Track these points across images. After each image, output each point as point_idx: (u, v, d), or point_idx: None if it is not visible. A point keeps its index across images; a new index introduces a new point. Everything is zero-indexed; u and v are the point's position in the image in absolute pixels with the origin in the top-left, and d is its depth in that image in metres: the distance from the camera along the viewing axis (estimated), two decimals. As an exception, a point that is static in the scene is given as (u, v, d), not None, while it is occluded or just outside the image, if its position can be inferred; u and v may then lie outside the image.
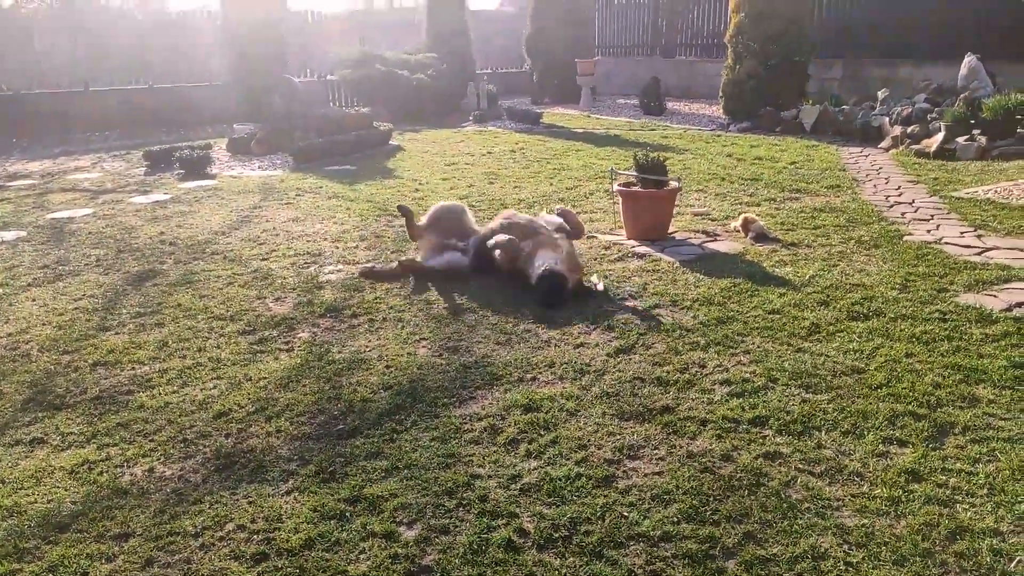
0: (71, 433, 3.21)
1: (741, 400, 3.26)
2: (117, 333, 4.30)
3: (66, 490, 2.80)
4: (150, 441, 3.12)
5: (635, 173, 5.78)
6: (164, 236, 6.40)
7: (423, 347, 3.99)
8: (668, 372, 3.55)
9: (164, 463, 2.97)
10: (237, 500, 2.71)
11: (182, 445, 3.09)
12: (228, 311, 4.58)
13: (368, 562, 2.37)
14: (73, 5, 16.56)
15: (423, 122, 13.80)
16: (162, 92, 14.94)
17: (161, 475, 2.89)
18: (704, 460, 2.83)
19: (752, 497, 2.61)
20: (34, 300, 4.90)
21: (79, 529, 2.57)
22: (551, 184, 8.00)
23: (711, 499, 2.61)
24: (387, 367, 3.76)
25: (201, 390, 3.57)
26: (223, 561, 2.40)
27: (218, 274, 5.31)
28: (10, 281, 5.29)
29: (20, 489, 2.81)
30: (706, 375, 3.52)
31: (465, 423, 3.19)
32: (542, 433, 3.07)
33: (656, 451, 2.91)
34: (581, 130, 12.52)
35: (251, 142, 10.92)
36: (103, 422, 3.29)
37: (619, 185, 5.87)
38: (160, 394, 3.54)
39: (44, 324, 4.46)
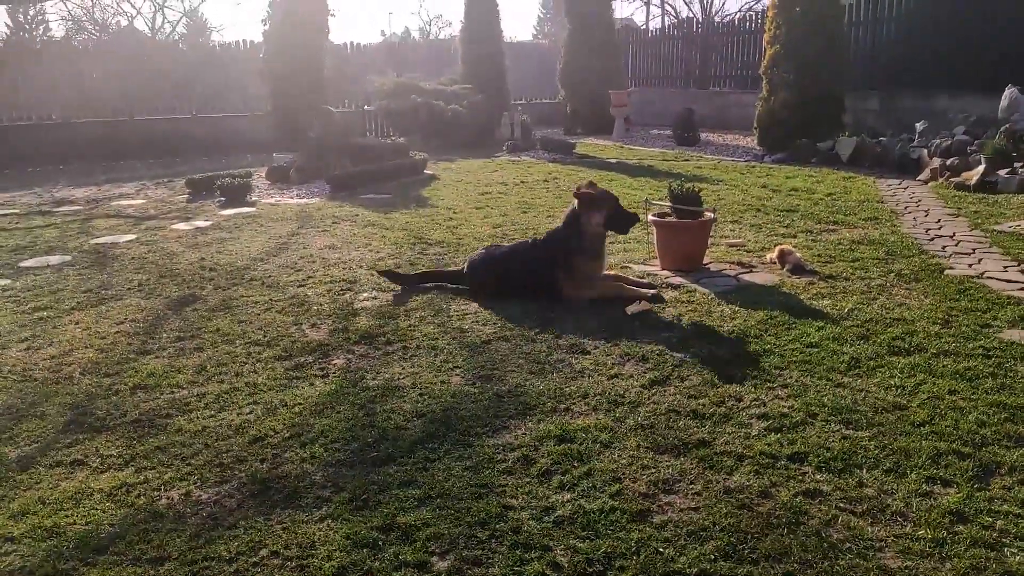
0: (110, 455, 3.26)
1: (779, 435, 3.21)
2: (157, 357, 4.38)
3: (104, 512, 2.84)
4: (187, 465, 3.16)
5: (670, 203, 5.77)
6: (204, 262, 6.53)
7: (456, 375, 4.00)
8: (704, 405, 3.50)
9: (200, 487, 3.00)
10: (271, 526, 2.72)
11: (218, 469, 3.12)
12: (265, 337, 4.64)
13: (400, 592, 2.36)
14: (120, 37, 17.14)
15: (457, 152, 13.96)
16: (205, 121, 15.35)
17: (197, 499, 2.91)
18: (742, 496, 2.78)
19: (792, 536, 2.55)
20: (77, 323, 5.01)
21: (116, 552, 2.60)
22: (584, 214, 8.01)
23: (749, 537, 2.55)
24: (421, 395, 3.77)
25: (238, 415, 3.61)
26: (257, 587, 2.41)
27: (256, 300, 5.39)
28: (54, 304, 5.42)
29: (60, 510, 2.86)
30: (743, 409, 3.47)
31: (498, 453, 3.18)
32: (576, 465, 3.04)
33: (692, 486, 2.87)
34: (614, 160, 12.56)
35: (290, 171, 11.14)
36: (142, 445, 3.34)
37: (653, 215, 5.87)
38: (198, 418, 3.58)
39: (86, 347, 4.56)
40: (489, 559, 2.50)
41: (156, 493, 2.96)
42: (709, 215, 5.82)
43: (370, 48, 22.18)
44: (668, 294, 5.19)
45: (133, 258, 6.77)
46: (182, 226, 8.21)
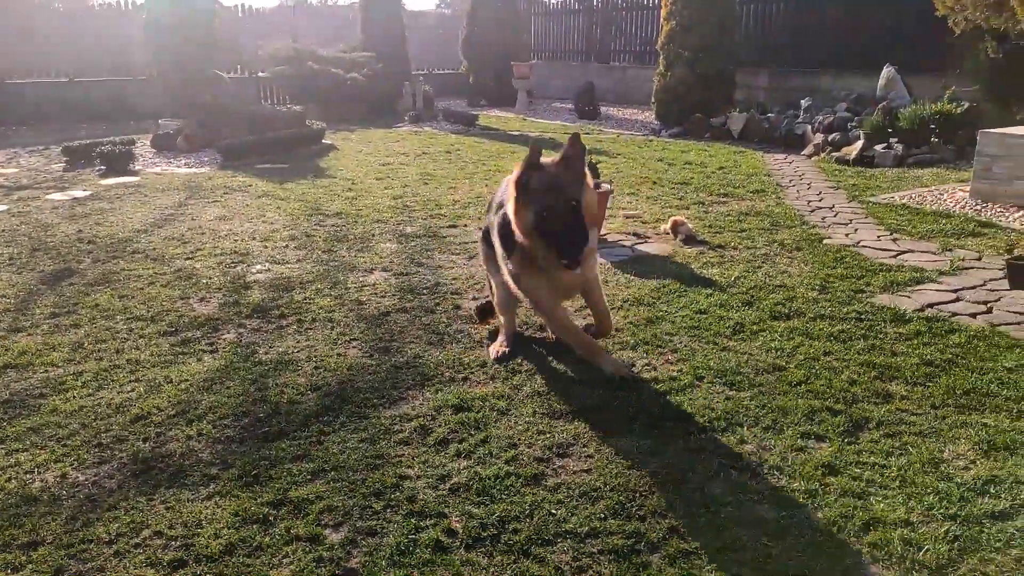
0: (-25, 439, 3.04)
1: (668, 398, 3.32)
2: (30, 334, 4.10)
3: (-32, 499, 2.65)
4: (63, 446, 2.99)
5: (568, 175, 5.82)
6: (82, 234, 6.14)
7: (353, 348, 3.94)
8: (598, 371, 3.59)
9: (77, 468, 2.84)
10: (154, 506, 2.61)
11: (97, 450, 2.97)
12: (149, 311, 4.42)
13: (292, 566, 2.32)
14: (-14, -8, 15.76)
15: (357, 122, 13.64)
16: (83, 86, 14.37)
17: (74, 481, 2.76)
18: (631, 457, 2.87)
19: (676, 492, 2.66)
20: (-63, 300, 4.63)
21: (-18, 539, 2.44)
22: (486, 186, 8.01)
23: (637, 495, 2.64)
24: (316, 368, 3.69)
25: (118, 393, 3.44)
26: (138, 568, 2.31)
27: (139, 274, 5.12)
28: (-89, 280, 4.99)
29: (-83, 499, 2.65)
30: (636, 372, 3.56)
31: (395, 424, 3.16)
32: (472, 433, 3.06)
33: (585, 449, 2.94)
34: (517, 132, 12.58)
35: (177, 138, 10.60)
36: (13, 427, 3.13)
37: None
38: (74, 397, 3.39)
39: (-52, 325, 4.22)
40: (384, 528, 2.49)
41: (29, 476, 2.78)
42: (606, 187, 5.91)
43: (264, 13, 21.26)
44: (566, 264, 5.27)
45: (3, 231, 6.29)
46: (58, 196, 7.69)
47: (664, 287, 4.72)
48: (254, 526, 2.50)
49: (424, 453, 2.93)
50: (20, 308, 4.51)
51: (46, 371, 3.66)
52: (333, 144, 11.11)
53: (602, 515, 2.53)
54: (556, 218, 3.23)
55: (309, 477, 2.78)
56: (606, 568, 2.30)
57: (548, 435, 3.04)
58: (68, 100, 13.96)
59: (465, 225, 6.43)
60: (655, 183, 8.08)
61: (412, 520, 2.53)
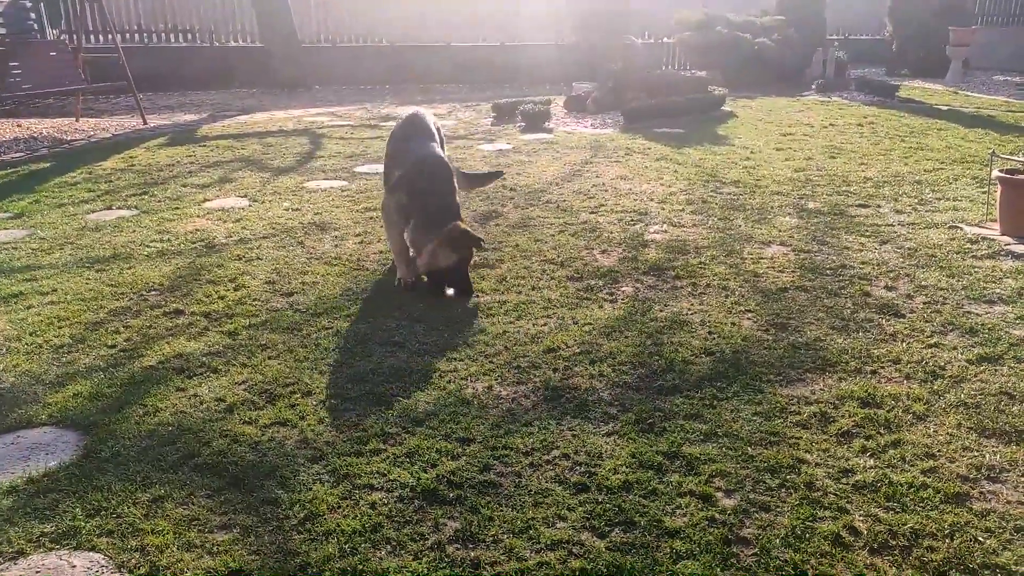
0: (426, 343, 3.64)
1: None
2: (465, 263, 4.76)
3: (421, 391, 3.18)
4: (490, 362, 3.43)
5: (1024, 159, 4.94)
6: (505, 182, 6.90)
7: (748, 319, 3.86)
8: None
9: (501, 384, 3.24)
10: (562, 431, 2.88)
11: (516, 371, 3.35)
12: (558, 256, 4.83)
13: (684, 518, 2.38)
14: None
15: (760, 89, 13.16)
16: (510, 50, 16.04)
17: (498, 394, 3.16)
18: (1092, 503, 2.38)
19: None
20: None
21: (431, 426, 2.91)
22: (905, 164, 7.19)
23: (1099, 550, 2.18)
24: (709, 333, 3.70)
25: (533, 325, 3.83)
26: (549, 483, 2.57)
27: (551, 222, 5.61)
28: (382, 207, 6.11)
29: (385, 382, 3.26)
30: (1101, 406, 2.93)
31: (792, 404, 3.03)
32: (882, 432, 2.80)
33: (1025, 479, 2.51)
34: (945, 107, 11.02)
35: (587, 100, 11.30)
36: (452, 339, 3.68)
37: (1000, 171, 5.07)
38: (498, 323, 3.86)
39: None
40: (778, 507, 2.42)
41: (464, 382, 3.26)
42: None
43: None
44: (1007, 263, 4.50)
45: (445, 172, 7.36)
46: (487, 147, 8.75)
47: None
48: (649, 471, 2.61)
49: (824, 441, 2.77)
50: (457, 240, 5.25)
51: (477, 297, 4.23)
52: (732, 111, 10.89)
53: (1047, 560, 2.15)
54: None
55: (701, 437, 2.81)
56: (1049, 623, 1.95)
57: (976, 453, 2.66)
58: (497, 63, 15.73)
59: (879, 206, 5.85)
60: None
61: (808, 507, 2.41)
